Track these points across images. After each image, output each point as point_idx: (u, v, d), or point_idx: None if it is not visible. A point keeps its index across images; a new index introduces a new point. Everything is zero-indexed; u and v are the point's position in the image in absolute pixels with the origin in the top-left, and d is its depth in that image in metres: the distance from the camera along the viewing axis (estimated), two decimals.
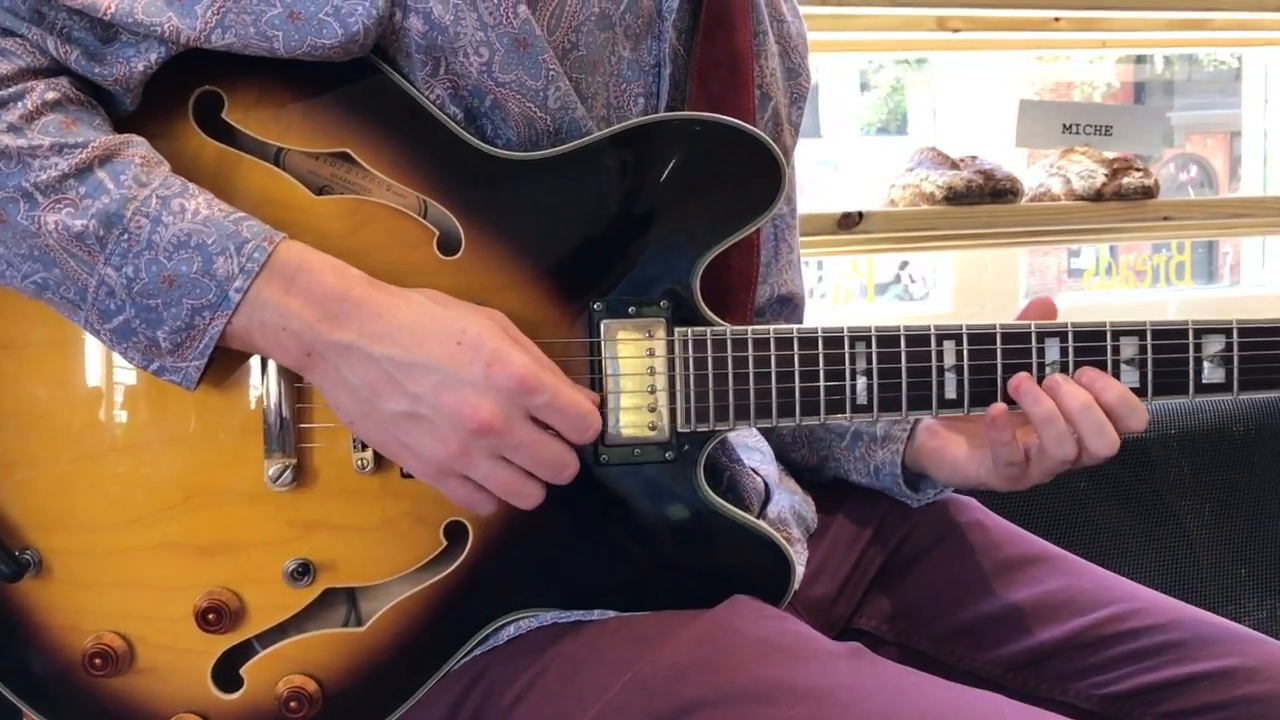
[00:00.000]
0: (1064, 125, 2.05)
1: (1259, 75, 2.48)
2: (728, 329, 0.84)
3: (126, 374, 0.81)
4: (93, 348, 0.81)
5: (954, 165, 1.96)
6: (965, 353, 0.87)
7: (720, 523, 0.85)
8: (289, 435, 0.80)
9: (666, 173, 0.83)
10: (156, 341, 0.74)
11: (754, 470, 0.95)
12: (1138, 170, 1.98)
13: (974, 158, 1.99)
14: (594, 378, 0.83)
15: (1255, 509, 1.54)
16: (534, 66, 0.82)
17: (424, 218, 0.82)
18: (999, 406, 0.87)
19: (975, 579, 0.98)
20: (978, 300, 2.35)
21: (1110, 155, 2.01)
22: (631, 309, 0.83)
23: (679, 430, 0.84)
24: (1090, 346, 0.89)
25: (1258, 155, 2.48)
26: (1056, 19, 2.04)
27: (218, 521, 0.81)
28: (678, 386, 0.83)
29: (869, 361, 0.86)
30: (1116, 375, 0.88)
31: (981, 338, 0.87)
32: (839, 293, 2.39)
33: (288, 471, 0.80)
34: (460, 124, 0.83)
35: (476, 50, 0.81)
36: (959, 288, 2.35)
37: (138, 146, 0.76)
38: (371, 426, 0.76)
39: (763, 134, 0.84)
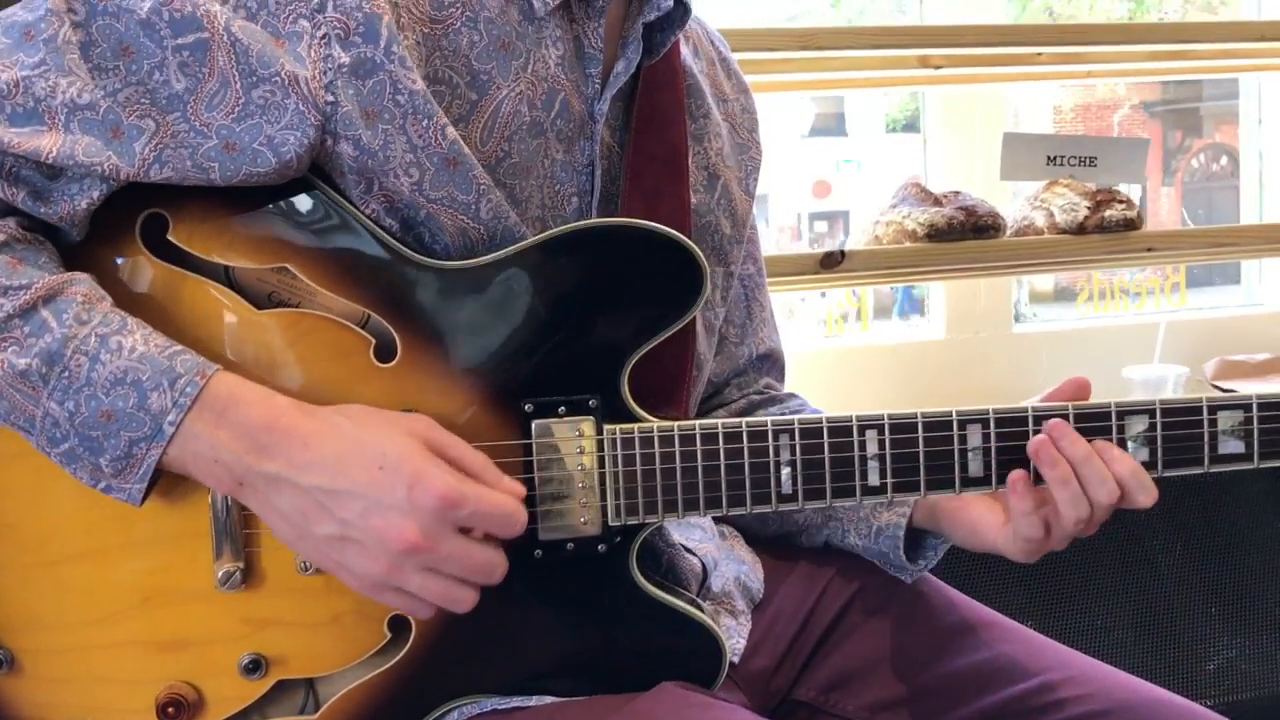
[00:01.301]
0: (1048, 157, 2.07)
1: (1253, 97, 2.48)
2: (655, 425, 0.88)
3: (83, 487, 0.85)
4: (46, 462, 0.85)
5: (937, 202, 1.99)
6: (887, 441, 0.90)
7: (653, 609, 0.89)
8: (236, 540, 0.85)
9: (590, 277, 0.87)
10: (100, 466, 0.79)
11: (691, 550, 0.99)
12: (1121, 202, 2.00)
13: (957, 193, 2.02)
14: (527, 477, 0.87)
15: (1226, 548, 1.56)
16: (464, 182, 0.87)
17: (363, 326, 0.86)
18: (1018, 473, 0.90)
19: (912, 648, 1.01)
20: (971, 325, 2.38)
21: (1094, 187, 2.03)
22: (562, 409, 0.87)
23: (610, 524, 0.88)
24: (1012, 431, 0.92)
25: (1253, 177, 2.49)
26: (1039, 54, 2.07)
27: (174, 620, 0.86)
28: (608, 483, 0.87)
29: (793, 453, 0.89)
30: None
31: (903, 426, 0.90)
32: (832, 321, 2.42)
33: (236, 574, 0.84)
34: (396, 234, 0.87)
35: (407, 171, 0.85)
36: (951, 312, 2.37)
37: (80, 284, 0.81)
38: (307, 547, 0.81)
39: (682, 236, 0.88)
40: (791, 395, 1.18)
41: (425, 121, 0.84)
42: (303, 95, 0.81)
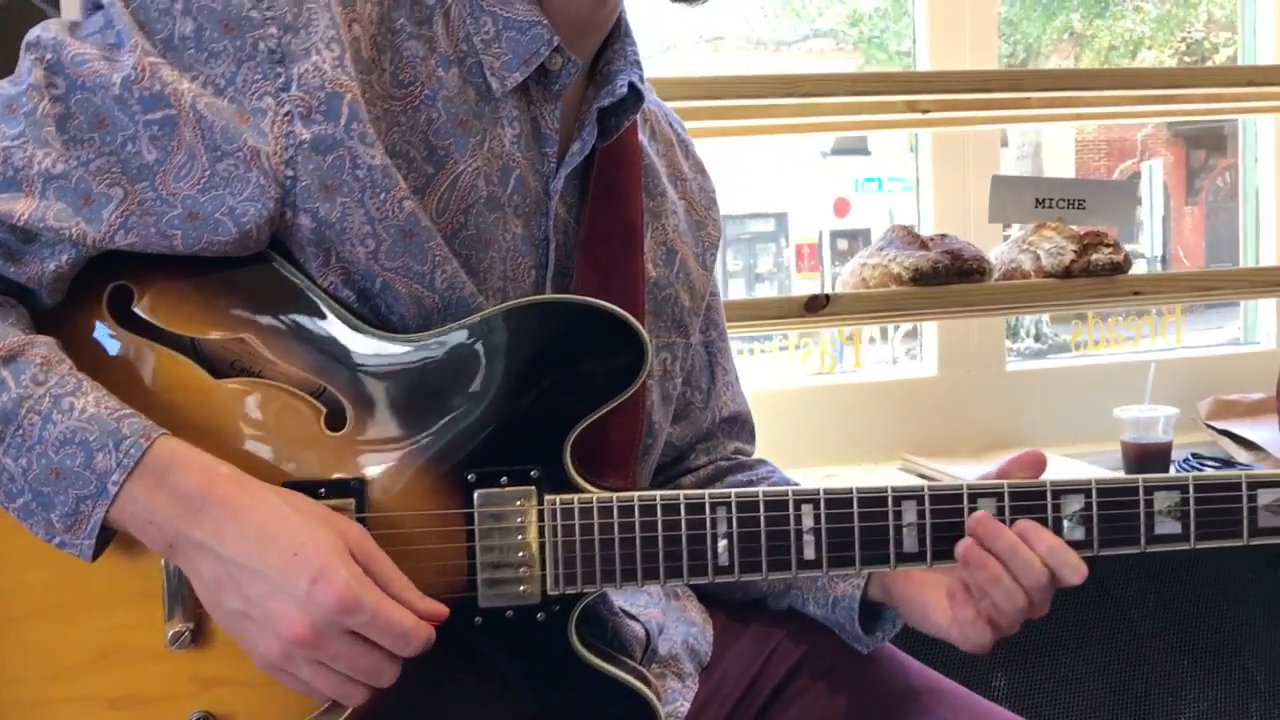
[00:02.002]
0: (1037, 200, 2.09)
1: (1250, 136, 2.49)
2: (594, 497, 0.91)
3: (44, 545, 0.89)
4: (10, 520, 0.89)
5: (923, 245, 2.00)
6: (823, 516, 0.93)
7: (591, 676, 0.91)
8: (186, 601, 0.88)
9: (534, 352, 0.91)
10: (52, 522, 0.83)
11: (634, 616, 1.01)
12: (1108, 246, 2.02)
13: (944, 237, 2.03)
14: (469, 545, 0.90)
15: (1199, 599, 1.56)
16: (420, 253, 0.90)
17: (318, 394, 0.90)
18: (956, 585, 0.94)
19: (858, 714, 1.03)
20: (963, 365, 2.39)
21: (1082, 230, 2.05)
22: (504, 479, 0.90)
23: (549, 593, 0.90)
24: (947, 509, 0.94)
25: (1250, 216, 2.49)
26: (1027, 98, 2.09)
27: (127, 677, 0.90)
28: (547, 553, 0.90)
29: (729, 525, 0.92)
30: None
31: (839, 502, 0.93)
32: (823, 359, 2.44)
33: (185, 634, 0.88)
34: (354, 305, 0.91)
35: (364, 241, 0.89)
36: (944, 350, 2.39)
37: (40, 347, 0.85)
38: (219, 615, 0.85)
39: (625, 314, 0.91)
40: (761, 461, 1.21)
41: (383, 195, 0.88)
42: (264, 169, 0.85)
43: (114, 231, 0.85)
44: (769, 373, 2.42)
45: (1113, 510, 0.94)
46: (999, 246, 2.10)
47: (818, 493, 0.93)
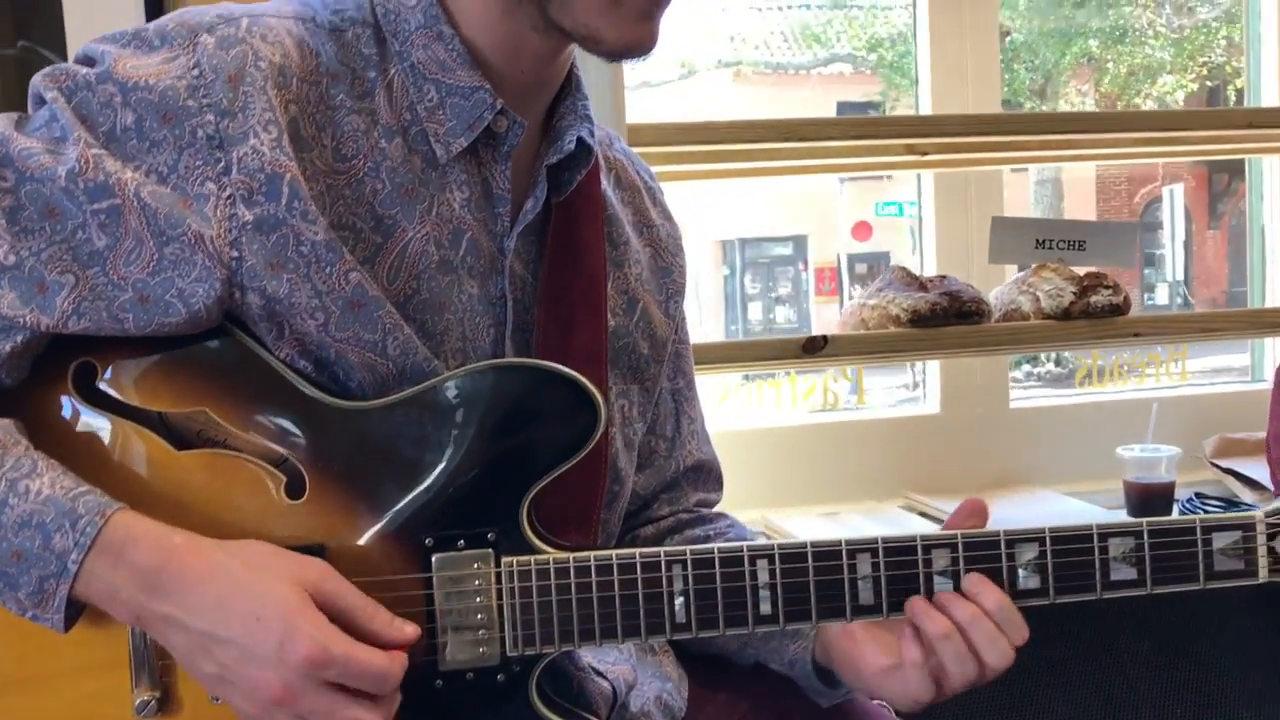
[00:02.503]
0: (1037, 241, 2.09)
1: (1256, 174, 2.48)
2: (551, 558, 0.92)
3: (13, 617, 0.90)
4: None
5: (922, 286, 2.01)
6: (778, 570, 0.94)
7: None
8: (153, 670, 0.90)
9: (487, 416, 0.92)
10: (20, 599, 0.86)
11: (603, 674, 1.02)
12: (1107, 288, 2.01)
13: (943, 278, 2.04)
14: (428, 609, 0.91)
15: (1193, 646, 1.55)
16: (369, 322, 0.92)
17: (279, 463, 0.92)
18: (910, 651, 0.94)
19: None
20: (967, 402, 2.39)
21: (1082, 271, 2.05)
22: (461, 543, 0.92)
23: (508, 654, 0.92)
24: (901, 560, 0.95)
25: (1258, 253, 2.48)
26: (1026, 140, 2.09)
27: None
28: (505, 615, 0.92)
29: (686, 583, 0.93)
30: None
31: (793, 556, 0.94)
32: (825, 395, 2.45)
33: (152, 703, 0.90)
34: (311, 375, 0.93)
35: (313, 315, 0.91)
36: (947, 388, 2.39)
37: None
38: (198, 679, 0.87)
39: (576, 375, 0.93)
40: (720, 515, 1.22)
41: (328, 269, 0.91)
42: (209, 252, 0.88)
43: (67, 318, 0.88)
44: (771, 409, 2.43)
45: (1067, 558, 0.95)
46: (999, 287, 2.10)
47: (772, 548, 0.94)
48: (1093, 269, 2.05)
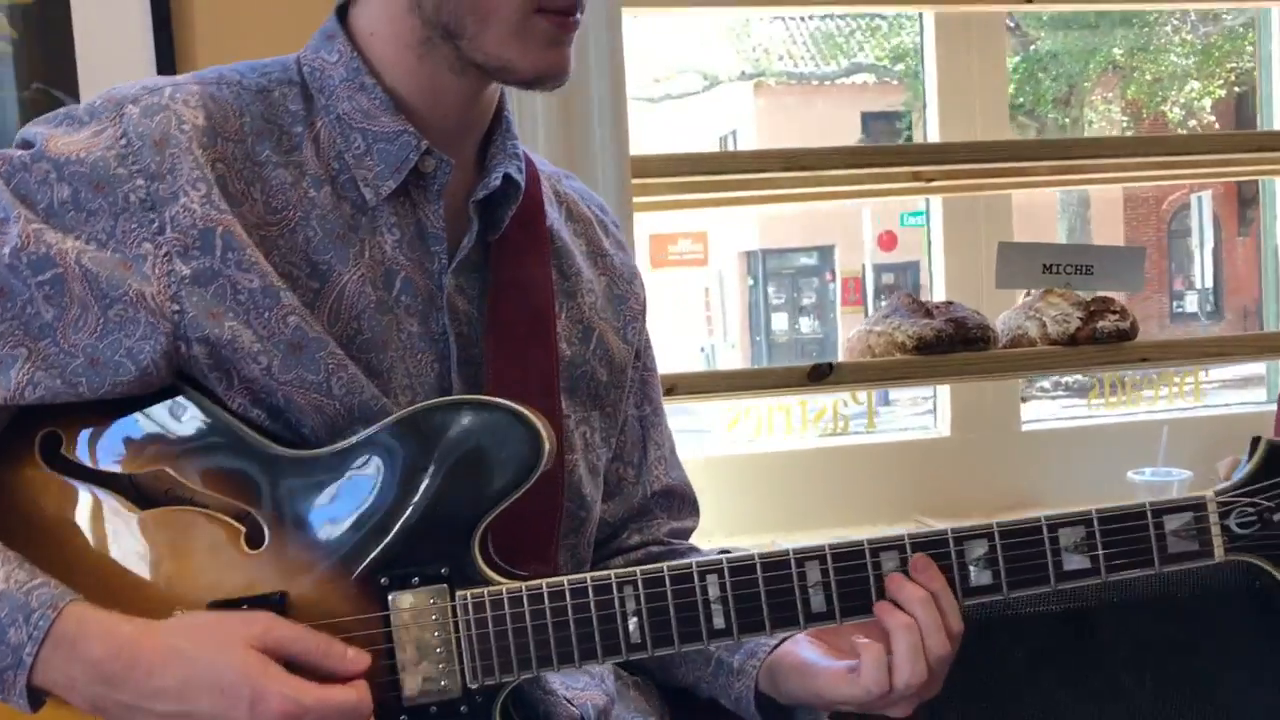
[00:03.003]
0: (1044, 265, 2.07)
1: (1269, 195, 2.45)
2: (504, 588, 0.92)
3: None
4: None
5: (928, 313, 2.00)
6: (728, 584, 0.93)
7: None
8: None
9: (433, 453, 0.93)
10: None
11: (571, 700, 1.02)
12: (1114, 313, 1.99)
13: (949, 304, 2.03)
14: (388, 646, 0.91)
15: (1198, 679, 1.53)
16: (312, 363, 0.94)
17: (236, 515, 0.93)
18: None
19: None
20: (978, 424, 2.37)
21: (1089, 296, 2.03)
22: (415, 579, 0.92)
23: (469, 686, 0.92)
24: (850, 565, 0.94)
25: (1270, 276, 2.45)
26: (1032, 166, 2.08)
27: None
28: (463, 647, 0.92)
29: (638, 603, 0.92)
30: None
31: (742, 568, 0.94)
32: (837, 419, 2.44)
33: None
34: (265, 424, 0.94)
35: (256, 359, 0.93)
36: (957, 410, 2.37)
37: None
38: None
39: (516, 407, 0.93)
40: (693, 549, 1.21)
41: (267, 314, 0.93)
42: (150, 309, 0.91)
43: (22, 389, 0.91)
44: (780, 433, 2.42)
45: (1018, 551, 0.94)
46: (1006, 311, 2.08)
47: (721, 561, 0.93)
48: (1100, 294, 2.04)
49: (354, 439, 0.94)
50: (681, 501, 1.23)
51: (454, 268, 1.01)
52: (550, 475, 0.97)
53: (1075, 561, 0.93)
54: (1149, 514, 0.93)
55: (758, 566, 0.93)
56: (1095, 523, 0.93)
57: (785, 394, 2.02)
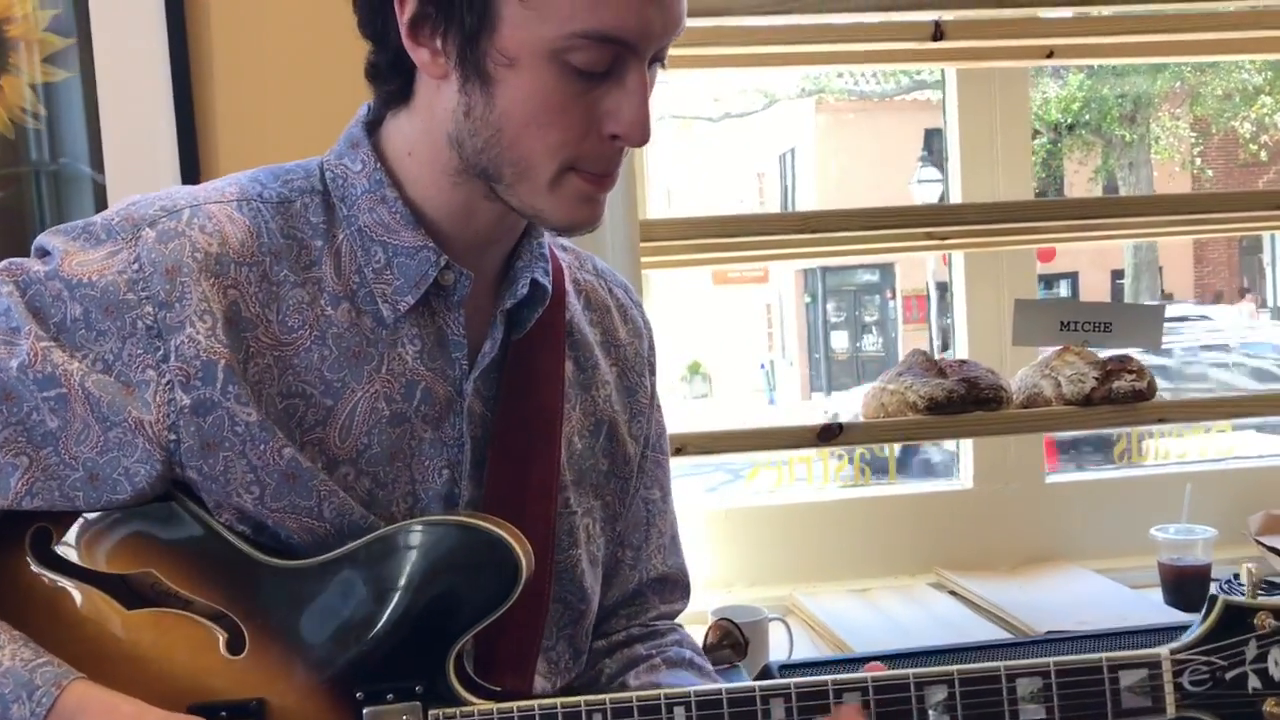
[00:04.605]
0: (1061, 323, 2.07)
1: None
2: (475, 709, 0.97)
3: None
4: None
5: (941, 372, 2.01)
6: (694, 717, 0.96)
7: None
8: None
9: (412, 572, 0.97)
10: None
11: None
12: (1131, 373, 1.99)
13: (963, 363, 2.04)
14: None
15: None
16: (304, 491, 0.98)
17: (219, 620, 0.98)
18: None
19: None
20: (1001, 477, 2.38)
21: (1105, 355, 2.03)
22: (390, 695, 0.96)
23: None
24: (814, 705, 0.97)
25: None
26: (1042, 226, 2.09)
27: None
28: None
29: None
30: None
31: (709, 703, 0.97)
32: (858, 470, 2.46)
33: None
34: (250, 537, 0.99)
35: (248, 489, 0.97)
36: (980, 463, 2.38)
37: None
38: None
39: (497, 530, 0.97)
40: (673, 629, 1.24)
41: (263, 446, 0.97)
42: (148, 436, 0.95)
43: (20, 498, 0.96)
44: (801, 484, 2.45)
45: (976, 699, 0.96)
46: (1023, 369, 2.09)
47: (689, 694, 0.96)
48: (1117, 353, 2.04)
49: (337, 553, 0.98)
50: (674, 587, 1.26)
51: (477, 374, 1.05)
52: (533, 590, 1.00)
53: (1031, 711, 0.96)
54: (1105, 668, 0.95)
55: (724, 702, 0.96)
56: (1053, 674, 0.96)
57: (795, 454, 2.05)
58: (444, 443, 1.04)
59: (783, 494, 2.41)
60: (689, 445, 1.89)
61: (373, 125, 1.06)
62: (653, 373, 1.24)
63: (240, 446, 0.96)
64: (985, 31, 2.08)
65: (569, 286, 1.16)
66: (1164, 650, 0.96)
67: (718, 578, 2.31)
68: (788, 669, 1.51)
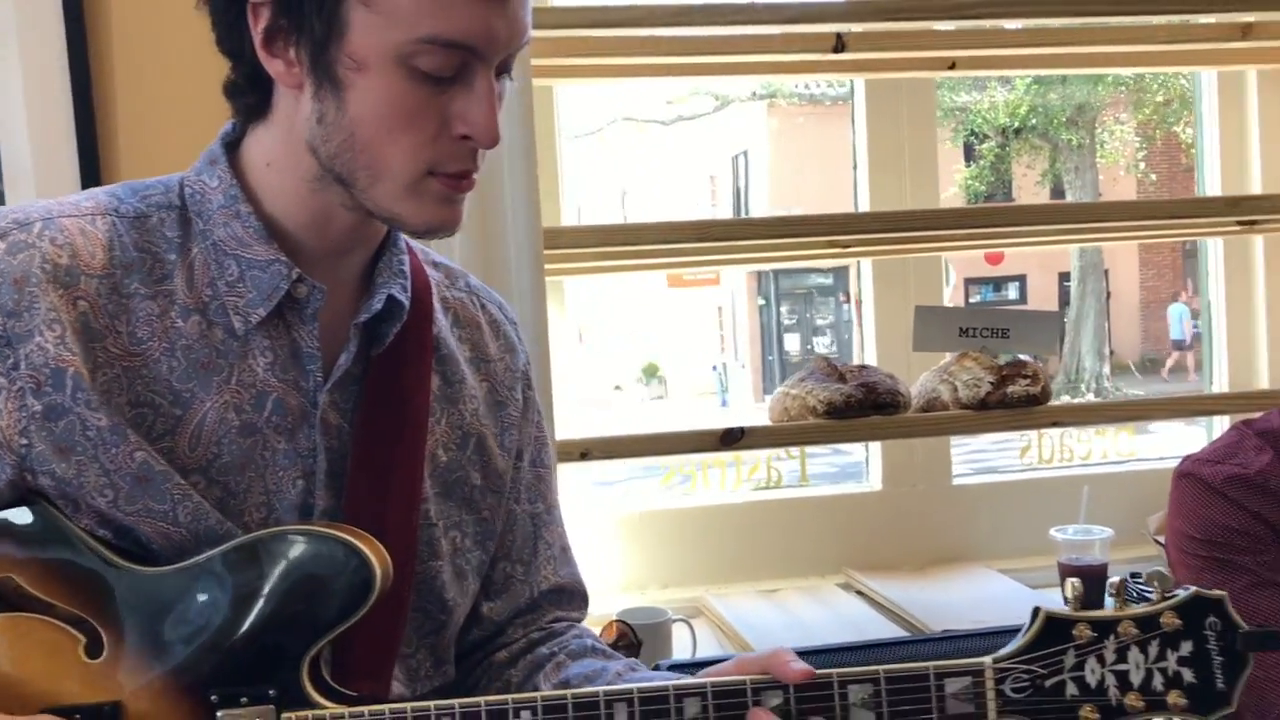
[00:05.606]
0: (961, 329, 2.13)
1: (1205, 257, 2.50)
2: (328, 713, 0.99)
3: None
4: None
5: (841, 377, 2.06)
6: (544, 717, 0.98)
7: None
8: None
9: (269, 580, 0.99)
10: None
11: None
12: (1026, 378, 2.05)
13: (863, 368, 2.09)
14: None
15: None
16: (158, 494, 1.00)
17: (78, 624, 1.00)
18: None
19: None
20: (908, 480, 2.43)
21: (1003, 361, 2.08)
22: (244, 699, 0.99)
23: None
24: (655, 710, 0.99)
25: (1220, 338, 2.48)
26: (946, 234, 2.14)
27: None
28: None
29: None
30: None
31: (554, 708, 0.99)
32: (769, 473, 2.50)
33: None
34: (110, 541, 1.01)
35: (101, 492, 0.99)
36: (888, 466, 2.42)
37: None
38: None
39: (355, 542, 0.99)
40: (570, 626, 1.26)
41: (114, 450, 0.99)
42: (0, 442, 0.97)
43: None
44: (714, 487, 2.48)
45: (810, 704, 0.99)
46: (923, 374, 2.14)
47: (535, 699, 0.99)
48: (1015, 359, 2.09)
49: (194, 560, 1.01)
50: (571, 596, 1.28)
51: (330, 385, 1.07)
52: (392, 599, 1.03)
53: (862, 717, 0.99)
54: (932, 676, 0.99)
55: (569, 706, 0.99)
56: (883, 681, 0.99)
57: (697, 457, 2.08)
58: (298, 453, 1.07)
59: (696, 497, 2.44)
60: (593, 450, 1.93)
61: (233, 143, 1.09)
62: (528, 387, 1.27)
63: (92, 450, 0.99)
64: (886, 43, 2.13)
65: (438, 303, 1.19)
66: (988, 659, 1.00)
67: (631, 580, 2.34)
68: (676, 668, 1.54)
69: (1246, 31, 2.17)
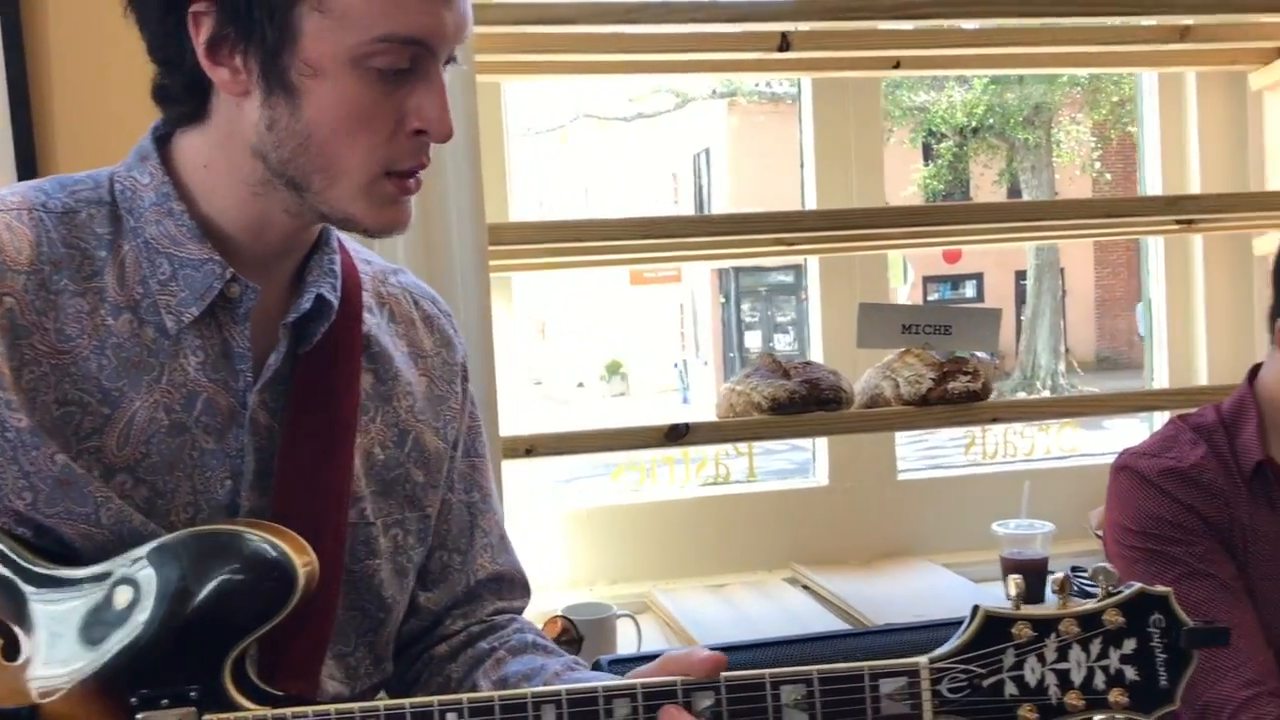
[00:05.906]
0: (903, 326, 2.14)
1: (1147, 249, 2.53)
2: (251, 714, 0.99)
3: None
4: None
5: (785, 374, 2.08)
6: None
7: None
8: None
9: (189, 580, 0.98)
10: None
11: None
12: (966, 374, 2.07)
13: (807, 364, 2.10)
14: None
15: None
16: (80, 497, 0.99)
17: None
18: None
19: None
20: (854, 475, 2.45)
21: (943, 358, 2.10)
22: (165, 701, 0.97)
23: None
24: (584, 711, 1.00)
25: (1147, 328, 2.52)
26: (894, 232, 2.15)
27: None
28: None
29: None
30: None
31: (481, 709, 0.98)
32: (717, 468, 2.51)
33: None
34: (30, 540, 1.00)
35: (20, 494, 0.98)
36: (834, 460, 2.44)
37: None
38: None
39: (278, 541, 0.98)
40: (512, 620, 1.25)
41: (34, 452, 0.98)
42: None
43: None
44: (663, 483, 2.49)
45: (742, 705, 0.98)
46: (867, 371, 2.16)
47: (461, 700, 0.97)
48: (956, 355, 2.11)
49: (113, 561, 0.99)
50: (511, 584, 1.27)
51: (260, 385, 1.06)
52: (321, 598, 1.02)
53: (794, 717, 0.98)
54: (866, 677, 0.97)
55: (496, 708, 0.97)
56: (816, 682, 0.98)
57: (643, 453, 2.09)
58: (227, 453, 1.05)
59: (644, 493, 2.45)
60: (538, 446, 1.92)
61: (165, 137, 1.07)
62: (465, 380, 1.27)
63: (11, 452, 0.97)
64: (831, 42, 2.14)
65: (370, 300, 1.18)
66: (923, 659, 0.98)
67: (579, 576, 2.35)
68: (616, 664, 1.55)
69: (1185, 34, 2.20)
